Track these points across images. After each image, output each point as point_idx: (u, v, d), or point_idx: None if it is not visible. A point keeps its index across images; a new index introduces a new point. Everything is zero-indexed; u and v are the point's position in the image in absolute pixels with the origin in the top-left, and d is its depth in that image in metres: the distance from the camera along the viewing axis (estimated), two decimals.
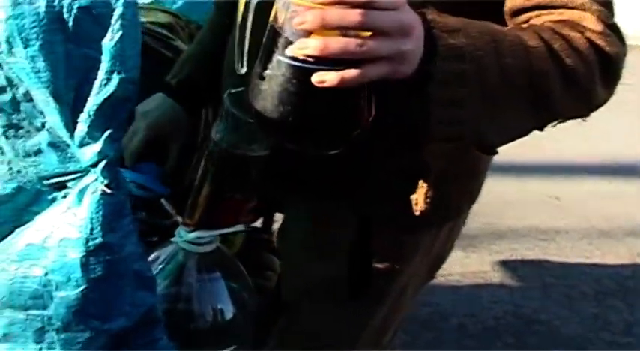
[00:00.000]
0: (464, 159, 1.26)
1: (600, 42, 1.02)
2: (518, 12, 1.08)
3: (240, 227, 1.22)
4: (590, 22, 1.03)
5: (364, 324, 1.36)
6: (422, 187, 1.19)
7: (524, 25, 1.05)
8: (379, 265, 1.28)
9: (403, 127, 1.02)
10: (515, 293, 3.13)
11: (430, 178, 1.19)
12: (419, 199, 1.19)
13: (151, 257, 1.26)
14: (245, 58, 0.95)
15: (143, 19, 1.53)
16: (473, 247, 3.36)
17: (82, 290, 0.98)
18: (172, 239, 1.23)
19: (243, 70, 0.97)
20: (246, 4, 0.96)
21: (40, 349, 1.04)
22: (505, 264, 3.31)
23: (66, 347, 1.03)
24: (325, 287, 1.32)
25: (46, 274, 0.99)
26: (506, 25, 1.09)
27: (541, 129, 1.06)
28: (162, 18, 1.67)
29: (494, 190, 3.83)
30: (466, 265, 3.24)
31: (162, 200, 1.40)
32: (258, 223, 1.73)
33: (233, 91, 1.02)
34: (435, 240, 1.35)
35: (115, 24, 0.86)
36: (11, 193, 1.02)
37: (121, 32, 0.86)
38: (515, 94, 0.98)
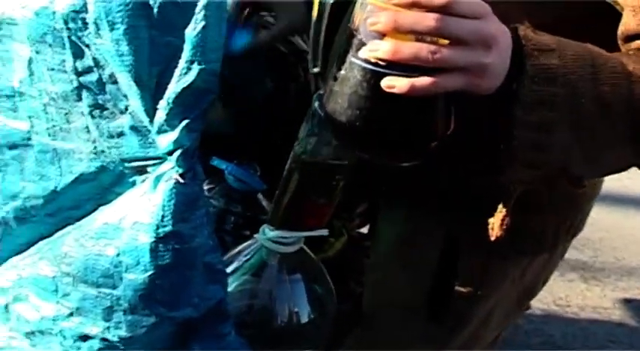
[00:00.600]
0: (559, 188, 1.19)
1: None
2: (631, 38, 1.00)
3: (323, 232, 1.19)
4: None
5: (442, 344, 1.32)
6: (500, 212, 1.13)
7: (631, 52, 0.98)
8: (462, 289, 1.24)
9: (485, 145, 0.98)
10: (635, 335, 2.97)
11: (509, 204, 1.13)
12: (495, 224, 1.13)
13: (236, 250, 1.27)
14: (319, 58, 0.93)
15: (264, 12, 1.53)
16: (597, 280, 3.23)
17: (150, 275, 0.99)
18: (256, 236, 1.22)
19: (317, 69, 0.95)
20: (321, 3, 0.93)
21: (108, 327, 1.05)
22: (629, 302, 3.15)
23: (131, 329, 1.04)
24: (406, 302, 1.29)
25: (118, 254, 1.01)
26: (618, 50, 1.01)
27: None
28: None
29: (628, 225, 3.71)
30: (587, 298, 3.11)
31: (259, 195, 1.39)
32: (365, 229, 1.70)
33: (322, 91, 0.99)
34: (526, 270, 1.29)
35: (199, 14, 0.86)
36: (95, 172, 1.04)
37: (204, 23, 0.86)
38: (612, 124, 0.91)
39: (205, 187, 1.42)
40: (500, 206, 1.13)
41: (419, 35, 0.78)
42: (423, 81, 0.79)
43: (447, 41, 0.79)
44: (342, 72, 0.84)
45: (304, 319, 1.24)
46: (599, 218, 3.53)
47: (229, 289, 1.10)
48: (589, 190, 1.28)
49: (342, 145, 0.97)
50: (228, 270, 1.17)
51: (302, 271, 1.25)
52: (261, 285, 1.23)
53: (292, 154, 1.11)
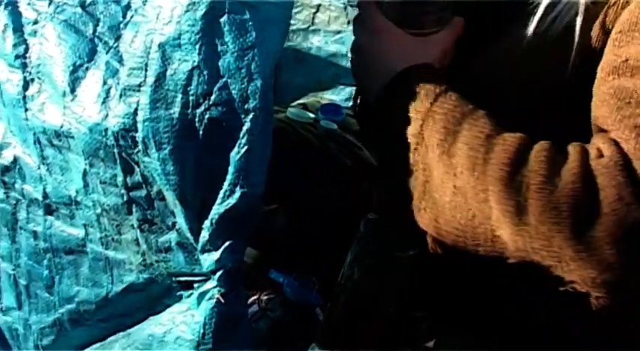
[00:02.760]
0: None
1: None
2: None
3: None
4: None
5: None
6: None
7: None
8: None
9: None
10: None
11: None
12: None
13: None
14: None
15: (334, 126, 1.54)
16: None
17: None
18: None
19: None
20: None
21: None
22: None
23: None
24: None
25: None
26: None
27: None
28: (355, 125, 1.66)
29: None
30: None
31: (317, 309, 1.38)
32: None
33: (372, 216, 0.98)
34: None
35: (243, 138, 0.86)
36: (144, 283, 1.05)
37: (247, 147, 0.86)
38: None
39: (264, 297, 1.42)
40: None
41: None
42: None
43: None
44: None
45: None
46: None
47: None
48: None
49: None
50: None
51: None
52: None
53: (340, 275, 1.09)
